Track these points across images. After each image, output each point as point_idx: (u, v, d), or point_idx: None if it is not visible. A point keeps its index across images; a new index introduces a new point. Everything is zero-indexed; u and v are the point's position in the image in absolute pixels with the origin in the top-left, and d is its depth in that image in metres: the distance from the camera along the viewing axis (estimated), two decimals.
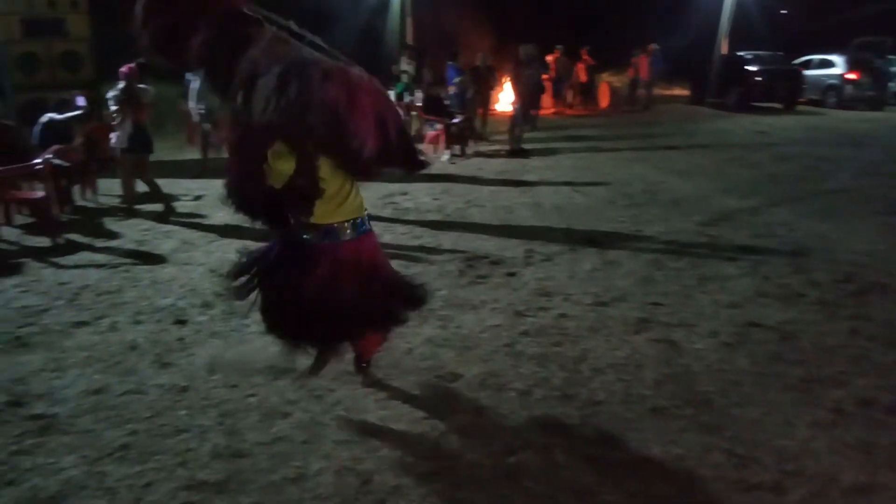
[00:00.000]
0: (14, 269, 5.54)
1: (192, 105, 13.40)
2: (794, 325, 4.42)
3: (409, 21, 19.79)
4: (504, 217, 7.31)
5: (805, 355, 4.01)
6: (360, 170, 3.17)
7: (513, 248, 6.10)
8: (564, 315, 4.58)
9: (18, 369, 3.82)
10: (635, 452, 3.06)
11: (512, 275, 5.41)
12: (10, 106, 9.36)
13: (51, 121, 7.57)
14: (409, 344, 4.13)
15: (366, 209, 3.36)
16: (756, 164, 10.39)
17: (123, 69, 7.21)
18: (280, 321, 3.28)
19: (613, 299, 4.84)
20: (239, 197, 3.24)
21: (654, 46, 18.28)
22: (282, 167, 3.00)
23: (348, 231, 3.20)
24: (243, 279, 3.35)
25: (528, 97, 12.13)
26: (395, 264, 5.58)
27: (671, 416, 3.36)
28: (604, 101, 19.56)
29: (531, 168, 10.35)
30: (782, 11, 23.81)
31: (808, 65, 19.10)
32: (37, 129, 7.59)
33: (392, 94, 14.06)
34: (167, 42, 3.10)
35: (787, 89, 18.04)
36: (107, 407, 3.41)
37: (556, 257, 5.83)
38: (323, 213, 3.13)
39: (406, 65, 13.81)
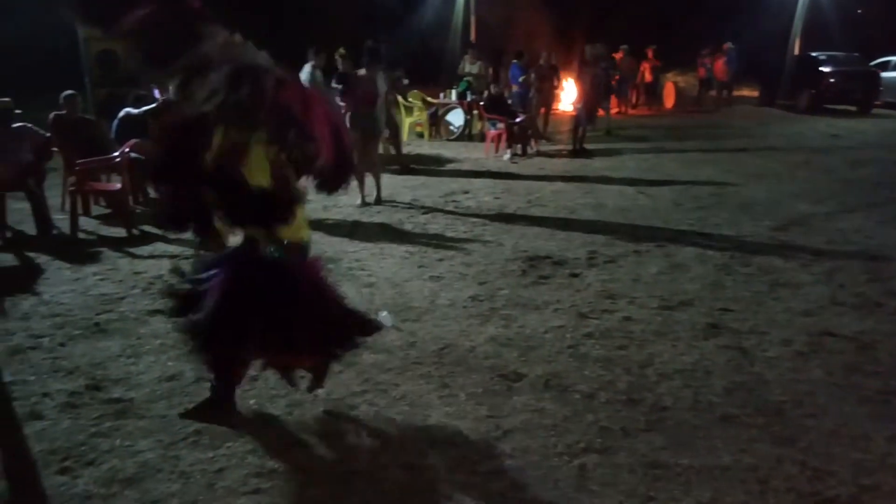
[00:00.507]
0: (92, 258, 5.77)
1: None
2: (871, 335, 4.26)
3: (472, 20, 19.81)
4: (566, 217, 7.25)
5: (882, 367, 3.86)
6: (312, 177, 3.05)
7: (575, 249, 6.04)
8: (629, 318, 4.52)
9: (97, 354, 3.98)
10: (704, 460, 2.99)
11: (575, 276, 5.36)
12: (89, 101, 9.75)
13: (127, 116, 7.84)
14: (472, 342, 4.14)
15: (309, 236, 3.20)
16: (830, 168, 10.03)
17: None
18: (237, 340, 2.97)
19: (680, 303, 4.75)
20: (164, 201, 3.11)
21: (728, 45, 17.82)
22: (259, 179, 2.88)
23: (310, 249, 3.13)
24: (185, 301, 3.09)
25: (594, 97, 11.99)
26: (457, 262, 5.65)
27: (742, 424, 3.28)
28: (669, 101, 19.19)
29: (594, 168, 10.24)
30: (858, 11, 22.93)
31: (885, 66, 18.33)
32: (114, 123, 7.87)
33: (454, 93, 14.15)
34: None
35: (862, 91, 17.34)
36: (180, 393, 3.53)
37: (621, 259, 5.75)
38: (295, 229, 3.02)
39: (469, 64, 13.79)
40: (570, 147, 11.71)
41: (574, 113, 12.20)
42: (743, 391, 3.58)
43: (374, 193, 8.01)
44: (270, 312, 2.92)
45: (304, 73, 9.65)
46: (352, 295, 4.88)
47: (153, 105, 7.74)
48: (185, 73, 2.79)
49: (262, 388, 3.56)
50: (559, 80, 13.94)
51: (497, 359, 3.92)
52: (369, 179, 8.04)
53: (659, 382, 3.65)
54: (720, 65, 17.91)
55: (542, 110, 13.16)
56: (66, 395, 3.49)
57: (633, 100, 18.39)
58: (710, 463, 2.98)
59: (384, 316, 4.42)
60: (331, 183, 3.14)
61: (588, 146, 11.69)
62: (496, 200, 8.12)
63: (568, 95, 15.38)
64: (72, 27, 10.10)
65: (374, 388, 3.56)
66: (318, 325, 3.03)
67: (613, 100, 16.17)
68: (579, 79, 12.16)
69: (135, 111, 7.80)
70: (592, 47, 12.11)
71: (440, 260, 5.78)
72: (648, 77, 18.50)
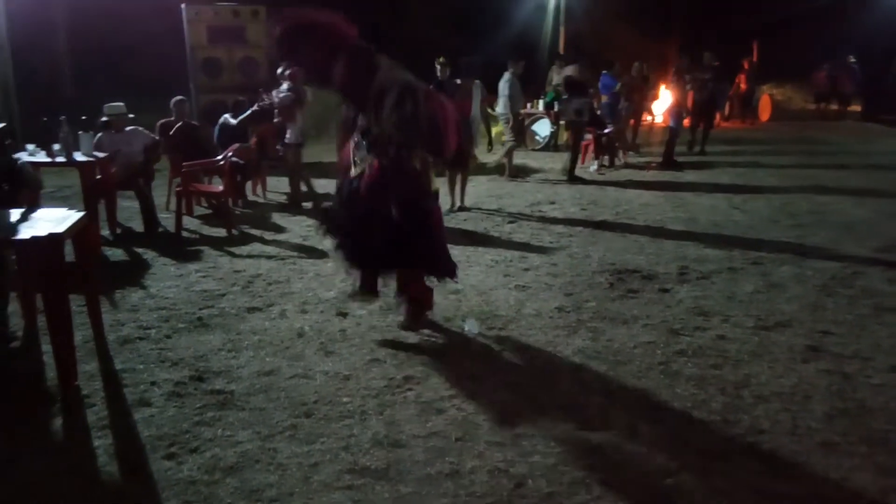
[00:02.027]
0: (195, 256, 6.07)
1: None
2: None
3: (562, 30, 19.71)
4: (656, 231, 7.11)
5: None
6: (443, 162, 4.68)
7: (666, 264, 5.92)
8: (723, 337, 4.39)
9: (200, 347, 4.19)
10: (804, 486, 2.89)
11: (665, 291, 5.26)
12: (194, 107, 10.26)
13: (226, 122, 8.22)
14: (559, 354, 4.12)
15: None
16: None
17: (289, 72, 7.83)
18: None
19: (778, 324, 4.59)
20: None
21: (851, 59, 17.13)
22: None
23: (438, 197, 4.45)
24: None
25: (696, 109, 11.75)
26: (543, 272, 5.64)
27: (843, 452, 3.14)
28: (764, 114, 18.53)
29: (685, 182, 10.01)
30: None
31: None
32: (216, 128, 8.27)
33: (541, 103, 14.10)
34: (314, 72, 4.46)
35: None
36: (277, 388, 3.67)
37: (714, 276, 5.60)
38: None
39: (556, 75, 13.70)
40: (660, 159, 11.49)
41: (665, 124, 11.96)
42: (845, 418, 3.43)
43: (459, 200, 8.18)
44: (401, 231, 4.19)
45: (503, 81, 9.85)
46: (438, 300, 4.97)
47: (250, 112, 8.09)
48: (375, 101, 3.97)
49: (354, 387, 3.66)
50: (651, 90, 13.72)
51: (585, 372, 3.89)
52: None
53: (755, 405, 3.54)
54: (842, 78, 17.24)
55: (632, 121, 12.95)
56: (172, 384, 3.68)
57: (727, 112, 17.86)
58: (810, 491, 2.87)
59: (470, 323, 4.49)
60: (454, 163, 4.95)
61: (679, 159, 11.44)
62: (583, 211, 8.05)
63: (660, 106, 15.06)
64: (181, 36, 10.69)
65: (462, 394, 3.59)
66: (430, 252, 4.38)
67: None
68: (672, 89, 11.93)
69: (232, 120, 8.18)
70: (706, 56, 11.85)
71: (526, 269, 5.79)
72: (743, 88, 17.95)
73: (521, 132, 10.52)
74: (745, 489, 2.85)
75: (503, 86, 9.93)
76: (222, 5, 10.66)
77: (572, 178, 10.16)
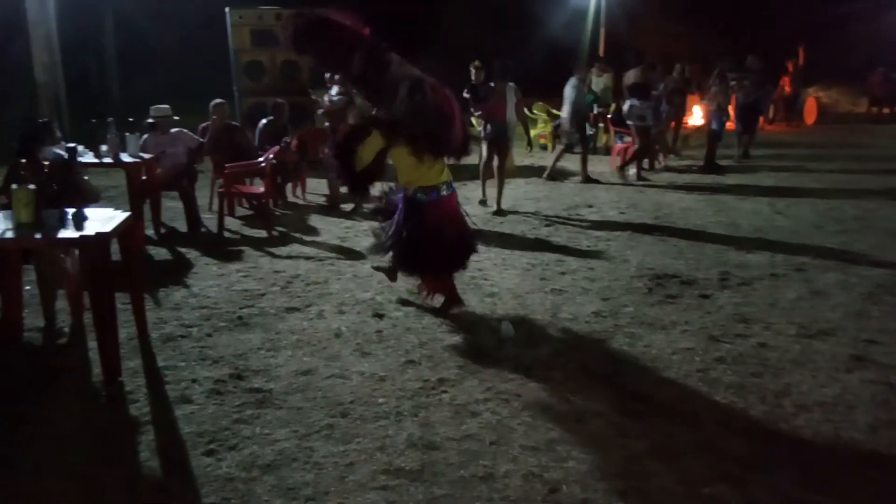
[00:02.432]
0: (236, 256, 6.17)
1: None
2: None
3: (601, 32, 19.57)
4: (696, 235, 7.01)
5: None
6: (450, 153, 4.65)
7: (706, 269, 5.84)
8: (764, 345, 4.32)
9: (240, 346, 4.26)
10: (845, 500, 2.82)
11: (705, 297, 5.19)
12: (237, 109, 10.45)
13: (268, 123, 8.35)
14: (596, 359, 4.09)
15: (450, 176, 4.74)
16: None
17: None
18: (407, 257, 4.64)
19: (821, 332, 4.49)
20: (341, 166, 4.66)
21: None
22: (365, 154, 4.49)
23: (444, 190, 4.64)
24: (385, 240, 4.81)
25: (739, 113, 11.56)
26: (580, 277, 5.60)
27: (888, 466, 3.06)
28: (810, 117, 18.12)
29: (726, 186, 9.84)
30: None
31: None
32: (257, 131, 8.40)
33: None
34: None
35: None
36: (314, 387, 3.71)
37: (755, 282, 5.50)
38: (430, 177, 4.57)
39: (596, 77, 13.55)
40: (700, 162, 11.32)
41: (706, 127, 11.77)
42: (890, 430, 3.34)
43: (496, 203, 8.22)
44: (426, 238, 4.54)
45: (570, 87, 9.88)
46: (474, 304, 4.98)
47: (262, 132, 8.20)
48: (389, 94, 4.38)
49: (389, 388, 3.69)
50: (692, 93, 13.52)
51: (622, 377, 3.86)
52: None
53: (797, 414, 3.47)
54: None
55: (673, 124, 12.79)
56: (212, 382, 3.76)
57: (771, 115, 17.51)
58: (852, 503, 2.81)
59: (506, 326, 4.49)
60: (459, 152, 4.71)
61: (720, 162, 11.25)
62: (621, 215, 7.98)
63: (700, 109, 14.84)
64: (224, 40, 10.90)
65: (497, 397, 3.59)
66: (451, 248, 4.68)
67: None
68: (714, 92, 11.72)
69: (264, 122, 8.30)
70: (751, 59, 11.65)
71: (562, 273, 5.76)
72: (788, 91, 17.58)
73: (583, 138, 10.50)
74: (783, 500, 2.80)
75: (570, 91, 9.91)
76: (265, 9, 10.82)
77: (641, 178, 10.35)
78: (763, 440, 3.26)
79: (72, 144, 5.04)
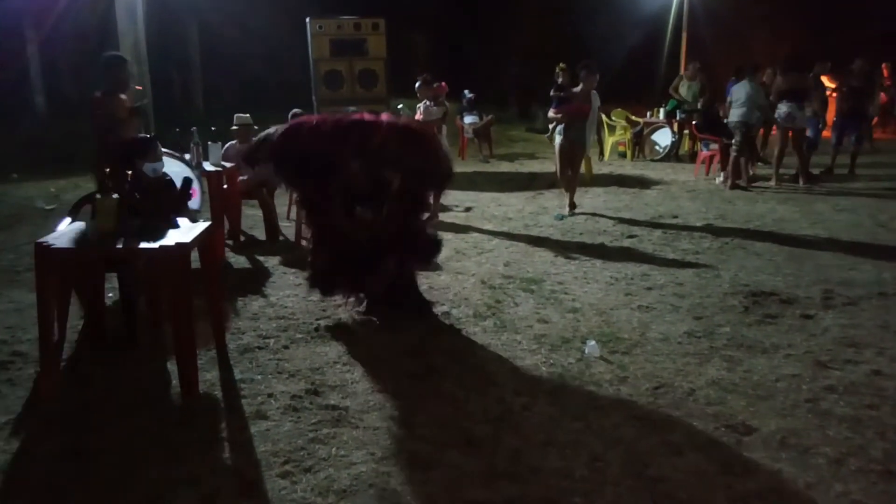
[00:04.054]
0: None
1: (468, 120, 14.18)
2: None
3: (683, 36, 18.96)
4: (792, 249, 6.57)
5: None
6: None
7: (807, 287, 5.42)
8: (879, 372, 3.92)
9: (316, 359, 4.17)
10: None
11: (808, 317, 4.79)
12: None
13: None
14: (692, 384, 3.80)
15: None
16: None
17: (436, 85, 8.01)
18: None
19: None
20: None
21: None
22: None
23: None
24: None
25: (840, 121, 10.93)
26: (668, 292, 5.29)
27: None
28: None
29: (821, 196, 9.28)
30: None
31: None
32: None
33: (662, 111, 13.55)
34: None
35: None
36: (391, 406, 3.56)
37: (863, 302, 5.06)
38: None
39: (689, 80, 12.99)
40: (793, 171, 10.71)
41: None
42: None
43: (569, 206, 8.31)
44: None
45: (743, 90, 9.75)
46: (555, 320, 4.75)
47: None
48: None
49: (469, 411, 3.50)
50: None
51: (721, 406, 3.55)
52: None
53: None
54: None
55: (762, 131, 12.19)
56: (289, 397, 3.66)
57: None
58: None
59: (591, 346, 4.24)
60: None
61: (814, 171, 10.63)
62: (709, 226, 7.58)
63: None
64: (305, 50, 11.02)
65: (586, 428, 3.34)
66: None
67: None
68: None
69: None
70: (858, 63, 11.02)
71: (649, 288, 5.46)
72: (884, 97, 16.53)
73: (751, 144, 10.16)
74: None
75: (741, 93, 9.60)
76: (345, 19, 10.88)
77: (810, 179, 10.13)
78: (885, 483, 2.91)
79: (189, 176, 4.98)
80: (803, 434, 3.28)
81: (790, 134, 9.92)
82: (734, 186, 9.84)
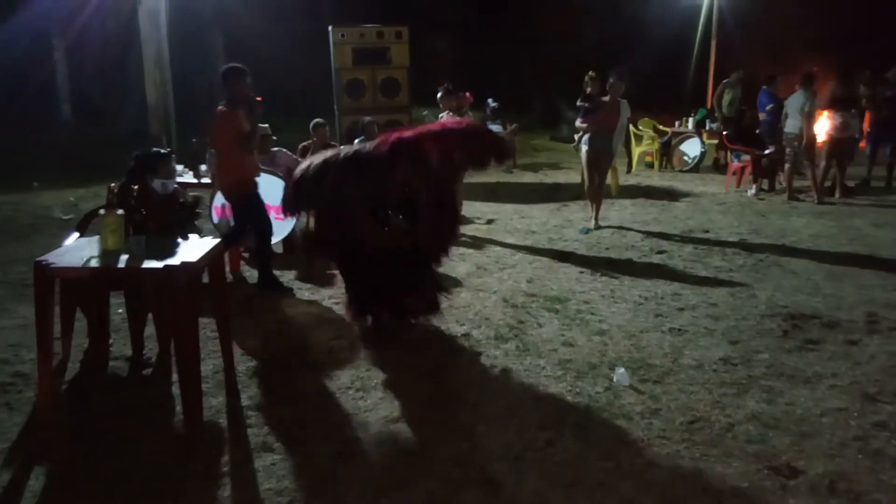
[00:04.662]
0: (328, 281, 5.87)
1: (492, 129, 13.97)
2: None
3: (713, 43, 18.56)
4: (831, 268, 6.24)
5: None
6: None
7: (849, 309, 5.11)
8: None
9: (328, 384, 3.95)
10: None
11: (852, 343, 4.49)
12: (336, 128, 10.37)
13: (361, 143, 8.15)
14: (729, 418, 3.52)
15: None
16: None
17: (459, 95, 7.86)
18: None
19: None
20: None
21: None
22: None
23: None
24: None
25: (876, 128, 10.54)
26: (701, 314, 5.00)
27: None
28: None
29: (857, 210, 8.91)
30: None
31: None
32: None
33: (691, 121, 13.22)
34: None
35: None
36: (405, 439, 3.35)
37: None
38: None
39: (736, 85, 12.61)
40: (828, 183, 10.31)
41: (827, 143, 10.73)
42: None
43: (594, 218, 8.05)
44: None
45: (801, 100, 9.40)
46: (581, 343, 4.51)
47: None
48: None
49: (490, 446, 3.27)
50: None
51: (763, 444, 3.28)
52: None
53: None
54: None
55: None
56: (298, 427, 3.44)
57: None
58: None
59: (620, 374, 3.98)
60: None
61: (849, 183, 10.23)
62: (743, 242, 7.27)
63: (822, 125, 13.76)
64: (327, 59, 10.89)
65: (617, 468, 3.08)
66: None
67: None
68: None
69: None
70: (861, 73, 10.62)
71: (680, 309, 5.18)
72: None
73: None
74: None
75: (800, 104, 9.29)
76: (367, 27, 10.73)
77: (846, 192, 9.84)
78: None
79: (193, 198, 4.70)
80: (853, 478, 3.00)
81: (839, 144, 9.56)
82: (792, 198, 9.50)
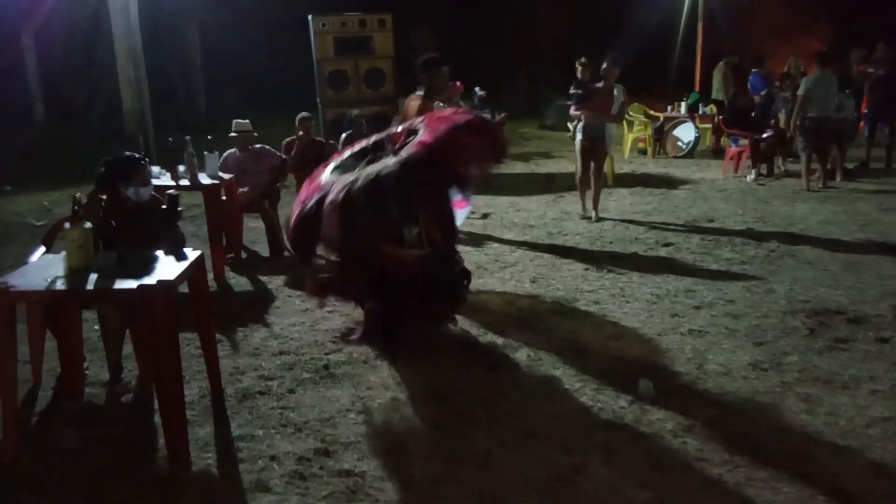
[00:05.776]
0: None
1: None
2: None
3: (699, 26, 18.26)
4: (847, 256, 5.96)
5: None
6: None
7: (874, 303, 4.82)
8: None
9: (326, 406, 3.60)
10: None
11: (884, 341, 4.21)
12: (320, 121, 9.94)
13: (348, 137, 7.74)
14: (770, 434, 3.22)
15: None
16: None
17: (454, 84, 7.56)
18: None
19: None
20: None
21: None
22: None
23: None
24: None
25: (873, 109, 10.24)
26: (719, 312, 4.70)
27: None
28: None
29: (862, 194, 8.64)
30: None
31: None
32: (340, 145, 7.82)
33: (684, 106, 12.92)
34: None
35: None
36: (414, 469, 3.01)
37: None
38: None
39: (722, 73, 12.32)
40: (828, 166, 10.03)
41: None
42: None
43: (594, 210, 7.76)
44: None
45: (821, 82, 8.96)
46: (596, 349, 4.19)
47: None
48: None
49: (509, 477, 2.94)
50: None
51: (810, 463, 2.97)
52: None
53: None
54: None
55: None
56: (295, 460, 3.09)
57: None
58: None
59: (644, 384, 3.66)
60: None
61: (848, 165, 9.97)
62: (750, 231, 6.97)
63: None
64: (308, 50, 10.46)
65: (657, 499, 2.76)
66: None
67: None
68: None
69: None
70: (857, 51, 10.32)
71: (697, 307, 4.87)
72: None
73: (783, 138, 9.52)
74: None
75: (822, 87, 8.91)
76: (349, 15, 10.30)
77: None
78: None
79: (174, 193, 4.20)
80: None
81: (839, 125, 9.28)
82: (808, 188, 9.10)
